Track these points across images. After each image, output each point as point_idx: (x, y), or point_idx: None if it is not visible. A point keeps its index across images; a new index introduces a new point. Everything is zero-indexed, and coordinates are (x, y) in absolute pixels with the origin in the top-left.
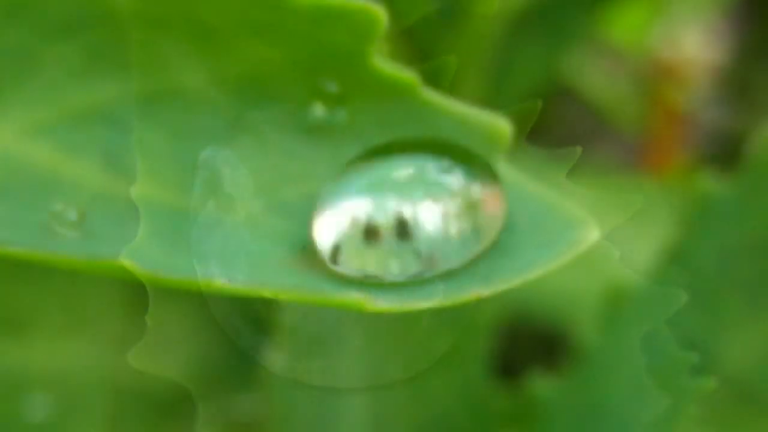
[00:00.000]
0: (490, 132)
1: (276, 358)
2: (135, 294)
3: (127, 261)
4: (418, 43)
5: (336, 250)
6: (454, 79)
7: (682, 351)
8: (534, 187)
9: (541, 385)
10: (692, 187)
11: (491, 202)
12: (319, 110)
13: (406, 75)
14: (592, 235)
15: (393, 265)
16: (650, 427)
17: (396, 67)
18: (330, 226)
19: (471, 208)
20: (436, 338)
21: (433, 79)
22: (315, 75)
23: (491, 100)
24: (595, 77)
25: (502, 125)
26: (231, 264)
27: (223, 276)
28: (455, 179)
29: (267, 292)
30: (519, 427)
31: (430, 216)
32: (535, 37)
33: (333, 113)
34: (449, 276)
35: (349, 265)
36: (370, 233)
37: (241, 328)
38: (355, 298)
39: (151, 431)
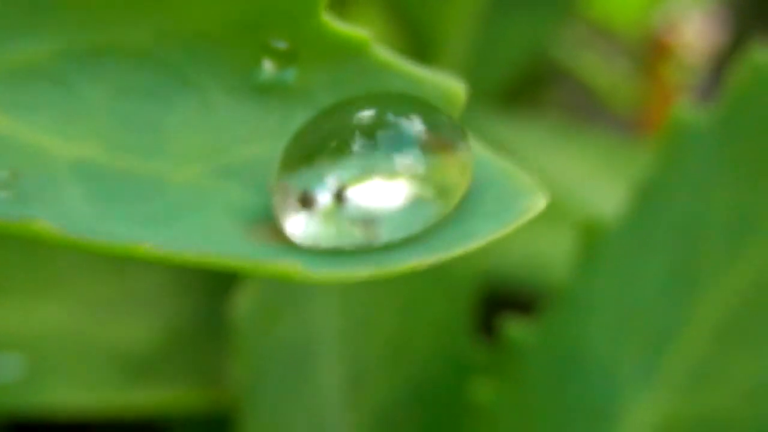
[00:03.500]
0: (444, 93)
1: (247, 315)
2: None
3: (50, 225)
4: (405, 13)
5: (283, 218)
6: (439, 49)
7: (658, 292)
8: (483, 152)
9: (517, 330)
10: (670, 116)
11: (456, 167)
12: (267, 69)
13: (359, 33)
14: (540, 203)
15: (340, 234)
16: (630, 370)
17: (348, 26)
18: (278, 194)
19: (433, 174)
20: (416, 295)
21: (419, 48)
22: (264, 32)
23: (476, 71)
24: (592, 59)
25: (456, 87)
26: (169, 229)
27: (156, 242)
28: (417, 144)
29: (197, 260)
30: (496, 375)
31: (383, 184)
32: (521, 8)
33: (282, 72)
34: (403, 243)
35: (295, 234)
36: (314, 201)
37: (212, 284)
38: (286, 266)
39: (123, 391)
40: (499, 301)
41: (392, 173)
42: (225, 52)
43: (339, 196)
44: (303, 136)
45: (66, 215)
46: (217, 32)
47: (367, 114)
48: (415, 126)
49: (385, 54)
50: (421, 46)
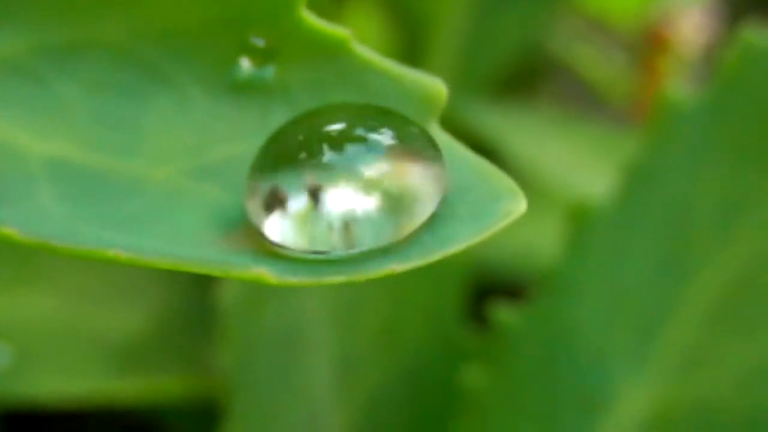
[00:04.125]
0: (424, 93)
1: (234, 303)
2: None
3: (17, 231)
4: (399, 4)
5: (257, 221)
6: (433, 40)
7: (649, 276)
8: (464, 153)
9: (507, 315)
10: (660, 98)
11: (429, 177)
12: (246, 67)
13: (339, 31)
14: (521, 207)
15: (315, 238)
16: (620, 356)
17: (328, 24)
18: (251, 197)
19: (403, 184)
20: (407, 281)
21: (414, 39)
22: (242, 29)
23: (470, 61)
24: (588, 52)
25: (437, 87)
26: (143, 231)
27: (128, 245)
28: (392, 153)
29: (167, 265)
30: (486, 360)
31: (355, 192)
32: (511, 2)
33: (261, 70)
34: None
35: (270, 237)
36: (285, 203)
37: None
38: (258, 273)
39: (111, 380)
40: (489, 288)
41: (364, 182)
42: (203, 49)
43: (313, 199)
44: (276, 142)
45: (37, 215)
46: (195, 29)
47: (340, 124)
48: (386, 138)
49: (365, 53)
50: (415, 37)
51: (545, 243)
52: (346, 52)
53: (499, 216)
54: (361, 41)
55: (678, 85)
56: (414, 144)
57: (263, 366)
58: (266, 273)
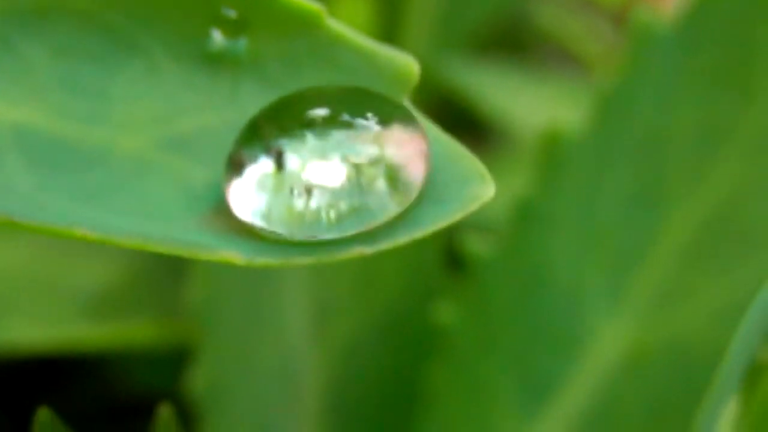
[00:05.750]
0: (397, 70)
1: None
2: None
3: None
4: None
5: (237, 202)
6: (410, 3)
7: (623, 209)
8: (435, 132)
9: (478, 246)
10: (633, 25)
11: (414, 159)
12: (217, 38)
13: (311, 6)
14: (489, 191)
15: (304, 224)
16: (594, 292)
17: None
18: (233, 179)
19: (391, 165)
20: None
21: (390, 2)
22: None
23: (447, 25)
24: (576, 27)
25: (410, 64)
26: (111, 203)
27: (96, 218)
28: (377, 137)
29: (135, 244)
30: (458, 296)
31: (342, 175)
32: None
33: (233, 42)
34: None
35: (242, 212)
36: (268, 188)
37: None
38: (227, 255)
39: (82, 325)
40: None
41: (345, 166)
42: (173, 18)
43: (295, 183)
44: (256, 125)
45: (4, 186)
46: None
47: (322, 108)
48: (371, 122)
49: (338, 27)
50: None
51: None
52: (318, 26)
53: (468, 200)
54: None
55: (649, 10)
56: (399, 127)
57: (235, 309)
58: (234, 255)
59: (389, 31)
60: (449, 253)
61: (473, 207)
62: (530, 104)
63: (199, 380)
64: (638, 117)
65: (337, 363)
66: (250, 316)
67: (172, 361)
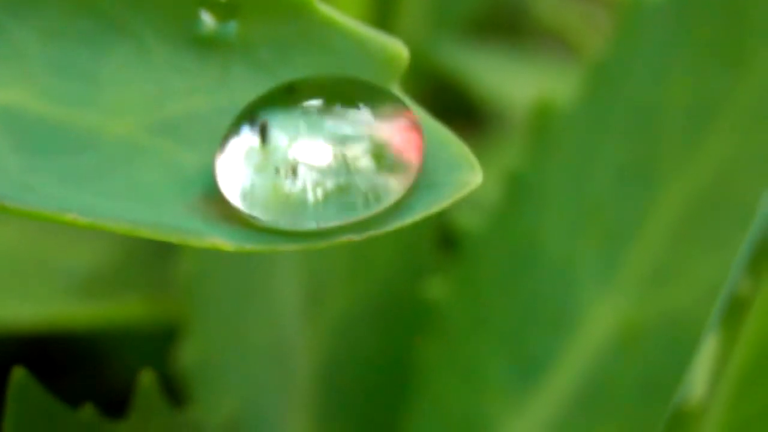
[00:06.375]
0: (386, 55)
1: None
2: None
3: None
4: None
5: (230, 191)
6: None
7: (615, 183)
8: (425, 118)
9: (468, 220)
10: None
11: (409, 149)
12: (207, 21)
13: None
14: (477, 178)
15: (303, 212)
16: (586, 268)
17: None
18: (228, 169)
19: (388, 155)
20: None
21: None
22: None
23: (441, 7)
24: (574, 18)
25: (399, 49)
26: (99, 187)
27: (84, 201)
28: (372, 128)
29: (123, 230)
30: (449, 270)
31: (340, 165)
32: None
33: (223, 26)
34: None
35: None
36: (262, 177)
37: None
38: (215, 241)
39: (72, 304)
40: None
41: (337, 157)
42: (165, 2)
43: (289, 171)
44: (246, 116)
45: None
46: None
47: (316, 99)
48: (363, 110)
49: (328, 12)
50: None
51: None
52: (309, 11)
53: (456, 187)
54: None
55: None
56: (394, 116)
57: (225, 286)
58: (223, 242)
59: (384, 14)
60: (441, 231)
61: (461, 194)
62: (525, 87)
63: (188, 356)
64: (630, 88)
65: (329, 340)
66: (241, 293)
67: (163, 339)
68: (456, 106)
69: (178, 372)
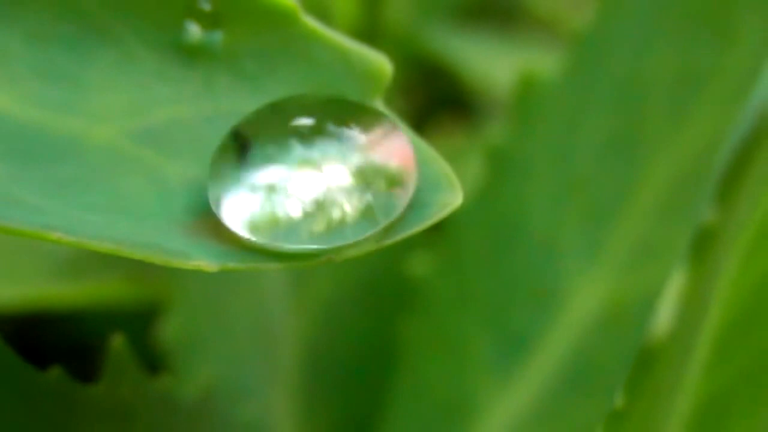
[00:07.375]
0: (370, 69)
1: None
2: None
3: None
4: None
5: (224, 213)
6: None
7: (599, 158)
8: (406, 134)
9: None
10: None
11: (402, 172)
12: (193, 30)
13: (287, 2)
14: (457, 199)
15: (287, 236)
16: (571, 244)
17: None
18: (218, 187)
19: (378, 177)
20: None
21: None
22: None
23: (425, 3)
24: (561, 6)
25: (383, 63)
26: (82, 198)
27: (68, 222)
28: (363, 148)
29: (110, 250)
30: (432, 246)
31: (330, 186)
32: None
33: (208, 35)
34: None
35: (240, 231)
36: (255, 197)
37: None
38: (197, 263)
39: (53, 284)
40: None
41: (331, 178)
42: (149, 7)
43: (283, 194)
44: (241, 134)
45: None
46: None
47: (308, 118)
48: (356, 133)
49: (313, 24)
50: None
51: None
52: (294, 22)
53: (437, 207)
54: None
55: None
56: (384, 137)
57: (210, 277)
58: (206, 263)
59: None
60: None
61: (441, 215)
62: (514, 73)
63: (169, 331)
64: (614, 61)
65: (314, 318)
66: (224, 283)
67: (146, 318)
68: (445, 92)
69: (158, 346)
